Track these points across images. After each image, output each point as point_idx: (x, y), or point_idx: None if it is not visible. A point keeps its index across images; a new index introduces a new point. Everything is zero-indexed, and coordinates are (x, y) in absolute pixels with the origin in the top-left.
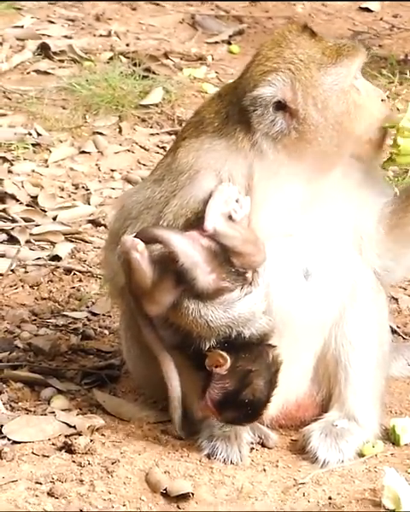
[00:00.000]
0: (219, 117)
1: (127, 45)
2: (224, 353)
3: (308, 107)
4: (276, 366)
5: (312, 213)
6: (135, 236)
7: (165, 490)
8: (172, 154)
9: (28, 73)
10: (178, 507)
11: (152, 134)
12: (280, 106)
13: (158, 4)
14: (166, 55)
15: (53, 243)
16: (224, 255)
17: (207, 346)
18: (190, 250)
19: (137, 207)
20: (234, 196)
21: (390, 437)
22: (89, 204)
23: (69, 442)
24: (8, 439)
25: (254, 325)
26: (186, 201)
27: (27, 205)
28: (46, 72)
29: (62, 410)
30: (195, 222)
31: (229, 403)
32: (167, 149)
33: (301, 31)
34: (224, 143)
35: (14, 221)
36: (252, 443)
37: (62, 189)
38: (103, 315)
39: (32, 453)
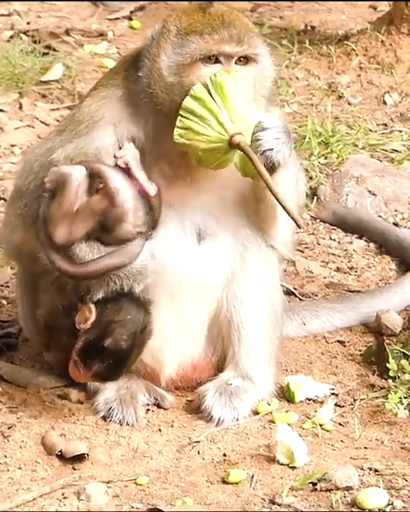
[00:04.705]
0: (129, 64)
1: (28, 23)
2: (91, 306)
3: (155, 63)
4: (146, 322)
5: (204, 180)
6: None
7: (60, 452)
8: (79, 104)
9: None
10: (73, 468)
11: (53, 109)
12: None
13: None
14: (67, 32)
15: None
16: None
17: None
18: (128, 194)
19: (39, 160)
20: (137, 156)
21: (286, 394)
22: None
23: None
24: None
25: (143, 281)
26: (81, 146)
27: None
28: None
29: None
30: None
31: (91, 353)
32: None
33: (200, 6)
34: (124, 93)
35: None
36: (148, 404)
37: None
38: (1, 285)
39: None
